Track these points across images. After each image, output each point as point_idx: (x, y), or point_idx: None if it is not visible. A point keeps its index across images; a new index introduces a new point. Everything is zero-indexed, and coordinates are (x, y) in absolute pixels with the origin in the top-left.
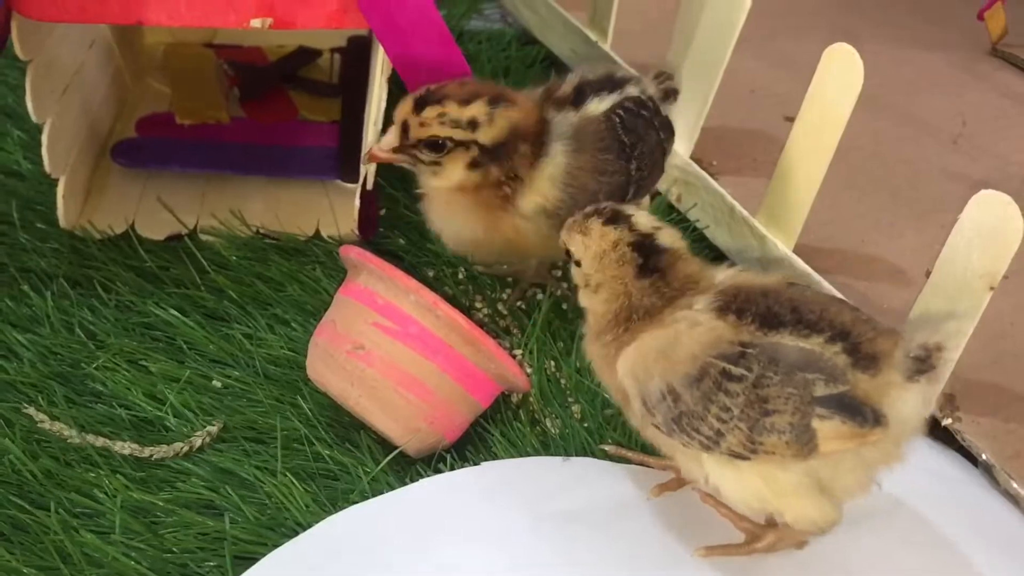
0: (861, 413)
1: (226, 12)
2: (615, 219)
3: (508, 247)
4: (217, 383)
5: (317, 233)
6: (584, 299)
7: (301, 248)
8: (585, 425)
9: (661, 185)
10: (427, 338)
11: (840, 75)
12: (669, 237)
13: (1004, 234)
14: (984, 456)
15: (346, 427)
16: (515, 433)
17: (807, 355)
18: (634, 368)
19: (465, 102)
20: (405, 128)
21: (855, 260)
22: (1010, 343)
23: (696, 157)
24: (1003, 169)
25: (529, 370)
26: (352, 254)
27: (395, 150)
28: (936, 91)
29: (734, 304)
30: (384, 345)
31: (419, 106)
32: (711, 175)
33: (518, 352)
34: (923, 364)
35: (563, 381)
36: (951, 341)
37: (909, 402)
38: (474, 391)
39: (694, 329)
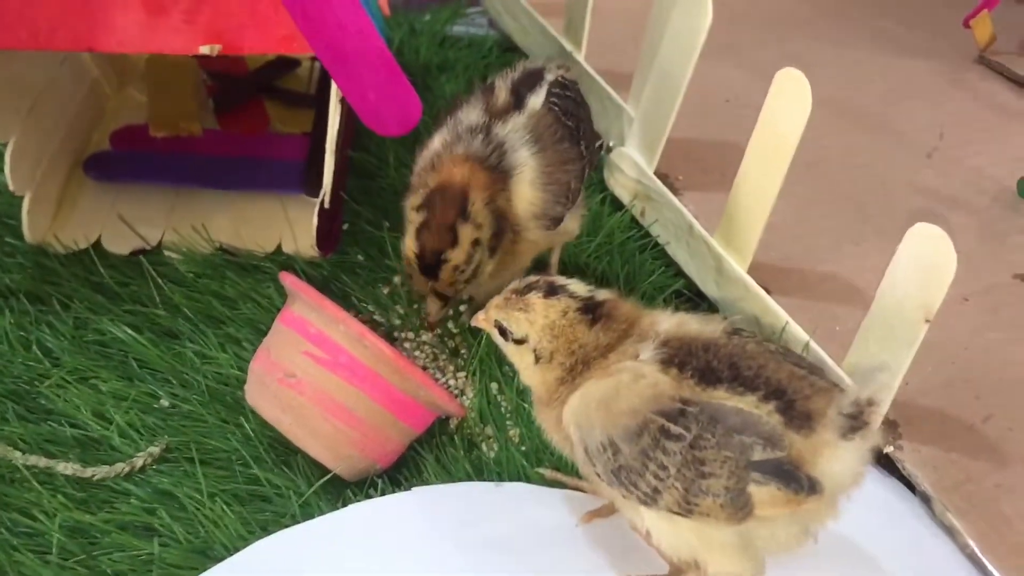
0: (797, 480)
1: (175, 38)
2: (553, 291)
3: (508, 259)
4: (165, 402)
5: (278, 249)
6: (532, 374)
7: (258, 265)
8: (522, 449)
9: (625, 198)
10: (356, 367)
11: (790, 99)
12: (604, 293)
13: (938, 268)
14: (922, 486)
15: (286, 449)
16: (448, 458)
17: (746, 418)
18: (577, 416)
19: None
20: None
21: (812, 279)
22: (961, 368)
23: (662, 172)
24: (975, 184)
25: (471, 393)
26: (287, 282)
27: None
28: (917, 101)
29: (677, 357)
30: (315, 374)
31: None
32: (676, 190)
33: (461, 375)
34: (856, 421)
35: (504, 404)
36: (888, 377)
37: (843, 460)
38: (405, 418)
39: (637, 382)
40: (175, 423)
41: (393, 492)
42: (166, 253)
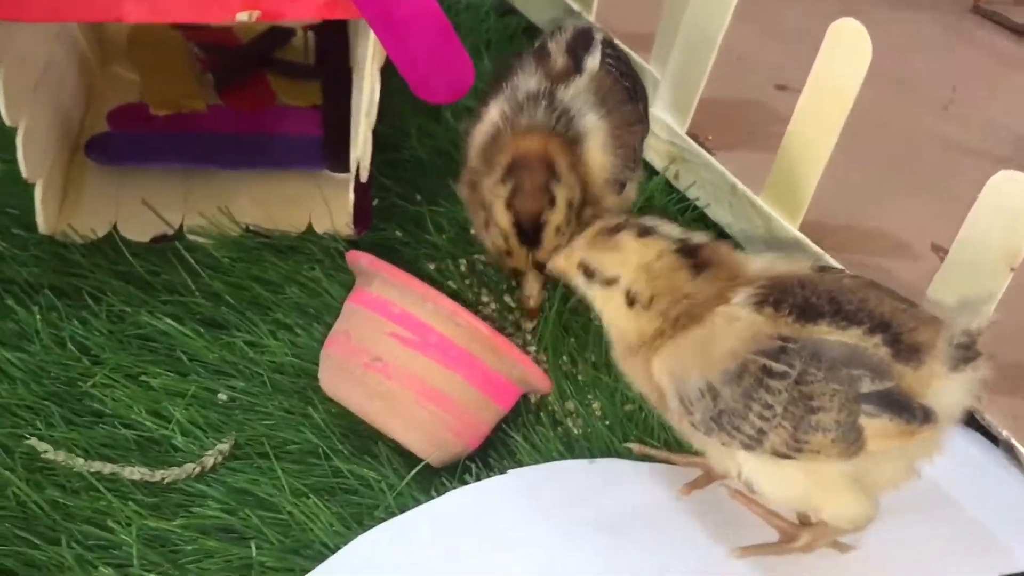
0: (909, 410)
1: (211, 5)
2: (646, 231)
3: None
4: (223, 396)
5: (310, 228)
6: (623, 320)
7: (295, 246)
8: (607, 423)
9: (657, 163)
10: (447, 347)
11: (847, 51)
12: (699, 236)
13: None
14: (1004, 436)
15: (363, 437)
16: (538, 437)
17: (851, 350)
18: (671, 365)
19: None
20: None
21: (859, 235)
22: None
23: (691, 132)
24: (995, 134)
25: (545, 367)
26: (363, 261)
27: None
28: (924, 53)
29: (771, 296)
30: (403, 356)
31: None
32: (708, 151)
33: (531, 349)
34: (967, 352)
35: (580, 377)
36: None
37: (953, 392)
38: (498, 398)
39: (732, 324)
40: (239, 418)
41: (487, 475)
42: (191, 238)
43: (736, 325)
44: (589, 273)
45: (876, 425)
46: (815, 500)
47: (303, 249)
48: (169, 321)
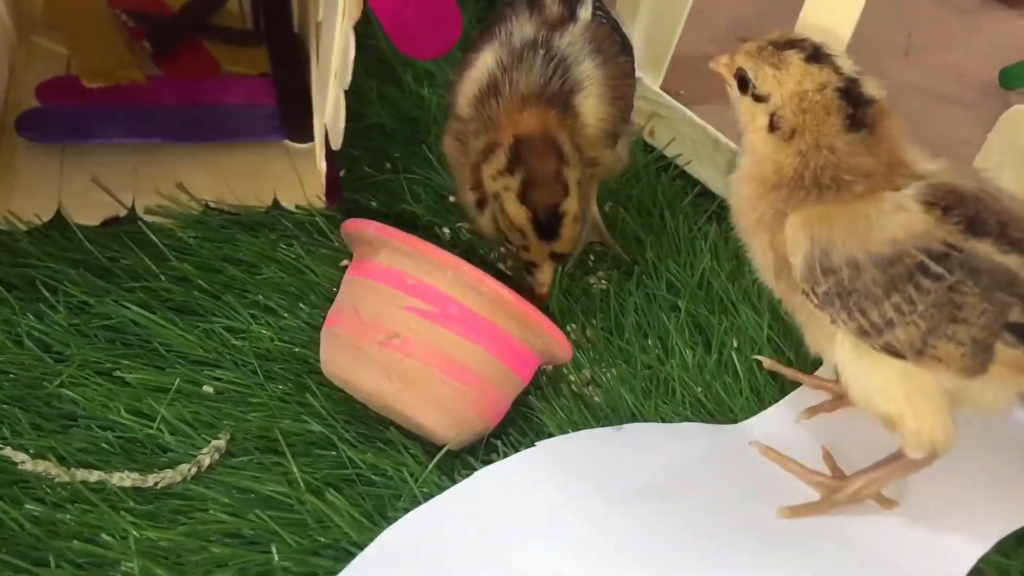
0: None
1: None
2: (818, 57)
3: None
4: (209, 388)
5: (276, 203)
6: (760, 143)
7: (264, 222)
8: (628, 387)
9: (634, 120)
10: (470, 318)
11: None
12: (875, 87)
13: None
14: None
15: (369, 423)
16: (560, 409)
17: (1011, 277)
18: (815, 229)
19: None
20: None
21: None
22: None
23: (663, 87)
24: (961, 80)
25: None
26: (369, 229)
27: None
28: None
29: (944, 200)
30: (423, 330)
31: None
32: (685, 105)
33: None
34: None
35: (591, 345)
36: None
37: None
38: (519, 370)
39: (899, 213)
40: (230, 411)
41: (510, 450)
42: (148, 218)
43: (903, 215)
44: (743, 84)
45: (1009, 355)
46: (902, 408)
47: (274, 225)
48: (138, 309)
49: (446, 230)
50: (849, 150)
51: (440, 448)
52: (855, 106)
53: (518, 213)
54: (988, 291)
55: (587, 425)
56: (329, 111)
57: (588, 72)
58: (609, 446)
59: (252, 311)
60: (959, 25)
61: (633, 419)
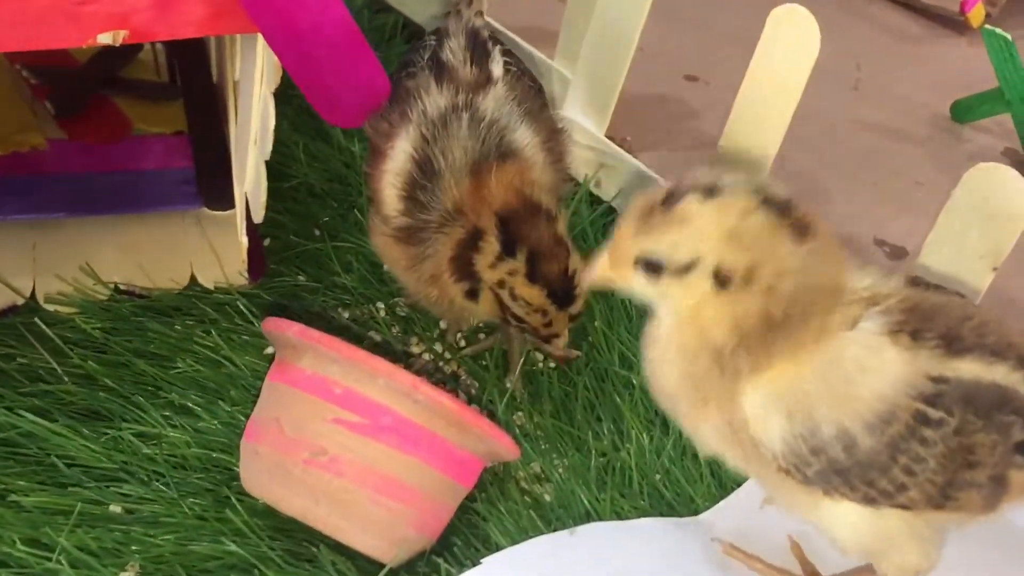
0: None
1: (66, 28)
2: (713, 190)
3: None
4: (116, 508)
5: (194, 281)
6: (714, 306)
7: (180, 306)
8: (580, 482)
9: (578, 171)
10: (405, 428)
11: (792, 39)
12: (781, 189)
13: (1008, 211)
14: None
15: (296, 538)
16: (507, 512)
17: (1002, 393)
18: (789, 404)
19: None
20: None
21: None
22: None
23: (608, 135)
24: (912, 113)
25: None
26: (290, 332)
27: None
28: (824, 31)
29: (908, 324)
30: (353, 446)
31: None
32: (630, 153)
33: (474, 405)
34: None
35: (540, 432)
36: None
37: None
38: (461, 478)
39: (875, 359)
40: (139, 534)
41: (458, 570)
42: (48, 308)
43: (880, 362)
44: (653, 268)
45: (1020, 478)
46: (890, 547)
47: (190, 310)
48: (34, 418)
49: (380, 305)
50: (808, 264)
51: (375, 567)
52: (785, 213)
53: (535, 295)
54: (989, 419)
55: (536, 529)
56: (249, 180)
57: (525, 139)
58: (562, 555)
59: (165, 412)
60: (909, 55)
61: (587, 517)
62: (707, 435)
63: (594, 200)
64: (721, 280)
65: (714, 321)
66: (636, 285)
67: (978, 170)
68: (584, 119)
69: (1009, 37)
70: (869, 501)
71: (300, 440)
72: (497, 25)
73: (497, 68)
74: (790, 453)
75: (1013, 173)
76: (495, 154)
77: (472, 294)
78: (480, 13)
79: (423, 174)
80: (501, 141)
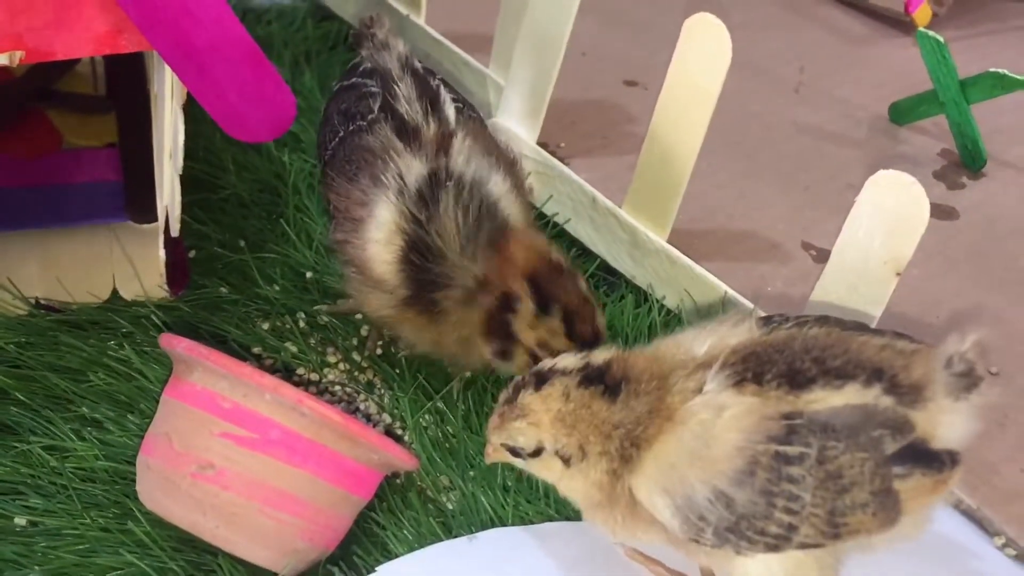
0: (938, 459)
1: None
2: (543, 379)
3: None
4: (21, 520)
5: (115, 295)
6: (573, 483)
7: (98, 320)
8: (484, 489)
9: None
10: (293, 442)
11: (705, 48)
12: (601, 355)
13: (909, 217)
14: None
15: (198, 549)
16: (408, 522)
17: (862, 411)
18: (664, 483)
19: None
20: None
21: (728, 239)
22: (894, 312)
23: (541, 141)
24: (849, 115)
25: (407, 438)
26: (180, 347)
27: None
28: (768, 33)
29: (748, 371)
30: (239, 459)
31: None
32: (561, 160)
33: (386, 417)
34: (969, 379)
35: (452, 440)
36: None
37: (961, 424)
38: (356, 489)
39: (723, 414)
40: (42, 546)
41: None
42: None
43: (727, 415)
44: (515, 453)
45: (910, 485)
46: None
47: (107, 323)
48: None
49: (301, 315)
50: (630, 414)
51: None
52: (599, 380)
53: (567, 345)
54: (853, 439)
55: (437, 537)
56: (166, 195)
57: (501, 188)
58: (461, 561)
59: (75, 426)
60: (853, 56)
61: (491, 524)
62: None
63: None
64: (565, 460)
65: (579, 487)
66: (516, 463)
67: (880, 176)
68: (517, 126)
69: (942, 39)
70: (772, 548)
71: (188, 454)
72: (434, 33)
73: (451, 111)
74: (683, 524)
75: (911, 180)
76: (484, 216)
77: (504, 354)
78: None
79: (421, 255)
80: (483, 201)
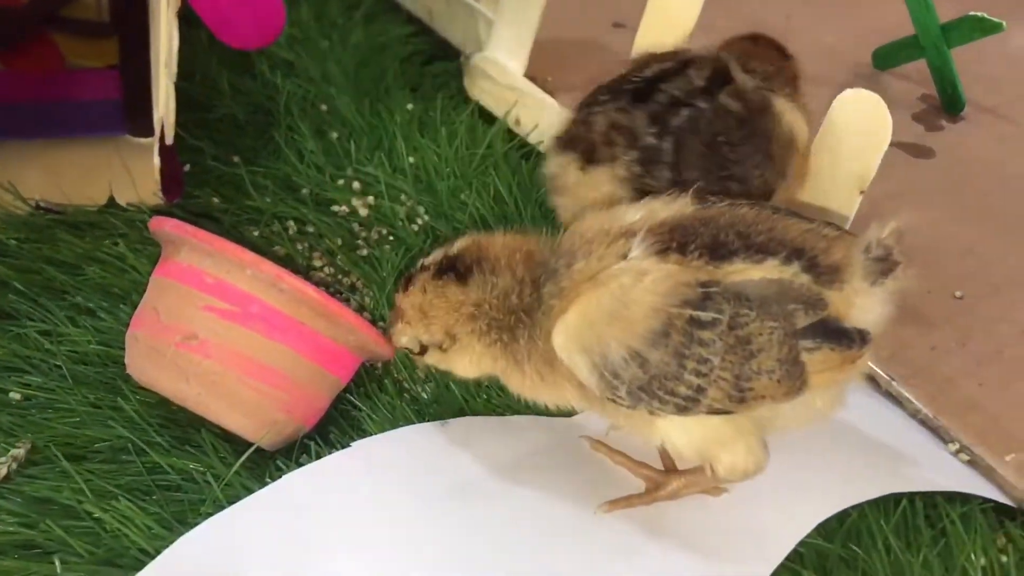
0: (848, 336)
1: None
2: (409, 280)
3: None
4: (16, 395)
5: (112, 201)
6: (460, 365)
7: (94, 221)
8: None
9: (496, 109)
10: (272, 317)
11: None
12: (458, 244)
13: (873, 133)
14: (885, 377)
15: (183, 426)
16: (383, 406)
17: (778, 285)
18: (581, 341)
19: None
20: None
21: None
22: None
23: (530, 75)
24: (835, 61)
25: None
26: (167, 227)
27: None
28: None
29: (673, 241)
30: (221, 331)
31: None
32: (549, 93)
33: (366, 314)
34: (885, 264)
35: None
36: None
37: (876, 308)
38: (333, 368)
39: (643, 279)
40: (35, 418)
41: (328, 453)
42: None
43: (647, 280)
44: (417, 352)
45: (818, 358)
46: (718, 451)
47: (103, 224)
48: None
49: (290, 223)
50: (484, 289)
51: (248, 449)
52: (450, 268)
53: None
54: (765, 309)
55: (410, 421)
56: (161, 104)
57: None
58: (431, 443)
59: (70, 313)
60: (840, 5)
61: (462, 414)
62: (555, 396)
63: (513, 135)
64: (440, 348)
65: (467, 366)
66: (422, 361)
67: (847, 94)
68: (507, 59)
69: None
70: (683, 410)
71: (173, 326)
72: None
73: None
74: (599, 382)
75: (876, 98)
76: None
77: None
78: None
79: None
80: None
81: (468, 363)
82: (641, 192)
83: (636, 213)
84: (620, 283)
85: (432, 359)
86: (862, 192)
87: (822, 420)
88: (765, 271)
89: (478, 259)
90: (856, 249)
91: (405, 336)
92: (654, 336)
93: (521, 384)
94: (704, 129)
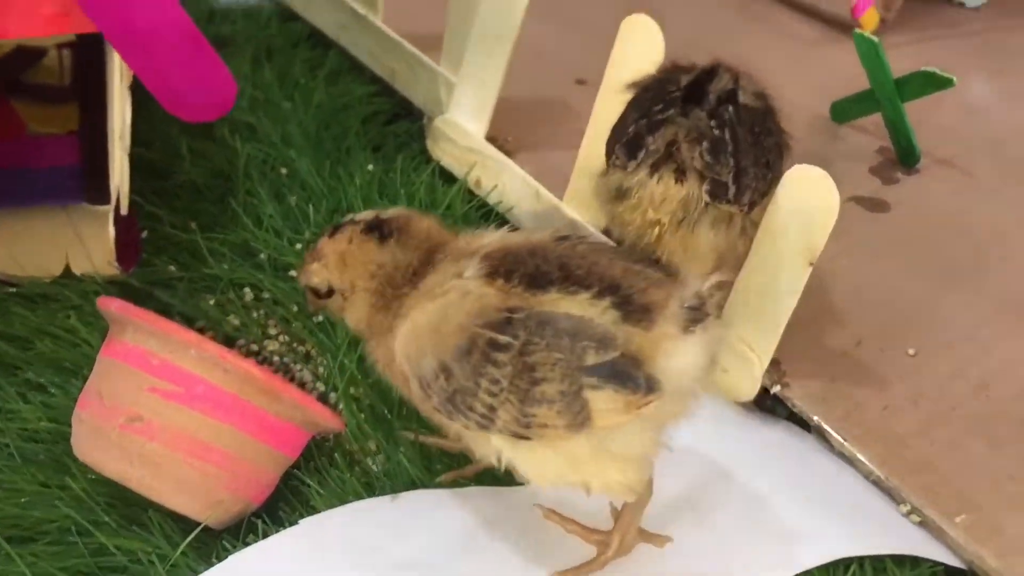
0: (633, 380)
1: None
2: (337, 228)
3: None
4: None
5: (68, 271)
6: (350, 315)
7: (48, 293)
8: (409, 456)
9: (457, 170)
10: (217, 396)
11: (640, 46)
12: (393, 211)
13: (821, 209)
14: (815, 421)
15: (131, 505)
16: (333, 481)
17: (576, 322)
18: (407, 347)
19: None
20: None
21: None
22: (821, 298)
23: (490, 135)
24: (793, 114)
25: (341, 405)
26: (112, 307)
27: None
28: (721, 35)
29: (502, 267)
30: (166, 412)
31: None
32: (507, 153)
33: (320, 386)
34: (697, 313)
35: (385, 408)
36: (772, 321)
37: (686, 355)
38: (280, 445)
39: (464, 299)
40: None
41: (276, 531)
42: None
43: (467, 299)
44: (318, 295)
45: (601, 397)
46: (577, 476)
47: (57, 296)
48: None
49: (247, 289)
50: (392, 259)
51: (201, 530)
52: (378, 229)
53: None
54: (555, 341)
55: (360, 496)
56: (116, 174)
57: None
58: (380, 517)
59: (20, 389)
60: (800, 58)
61: (414, 486)
62: (399, 384)
63: (473, 196)
64: (342, 294)
65: (351, 318)
66: (314, 305)
67: (795, 171)
68: (467, 122)
69: (876, 40)
70: (482, 427)
71: (118, 408)
72: (391, 33)
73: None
74: (417, 388)
75: (822, 174)
76: None
77: None
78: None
79: None
80: None
81: (352, 317)
82: (713, 187)
83: (489, 237)
84: (447, 299)
85: (334, 304)
86: (811, 264)
87: (614, 461)
88: (576, 303)
89: (400, 229)
90: (676, 296)
91: (318, 277)
92: (459, 352)
93: (376, 357)
94: (746, 122)
